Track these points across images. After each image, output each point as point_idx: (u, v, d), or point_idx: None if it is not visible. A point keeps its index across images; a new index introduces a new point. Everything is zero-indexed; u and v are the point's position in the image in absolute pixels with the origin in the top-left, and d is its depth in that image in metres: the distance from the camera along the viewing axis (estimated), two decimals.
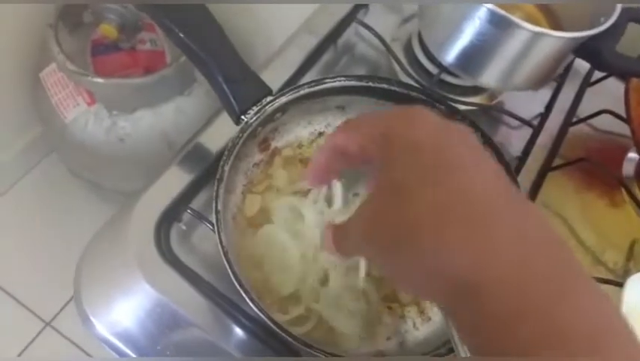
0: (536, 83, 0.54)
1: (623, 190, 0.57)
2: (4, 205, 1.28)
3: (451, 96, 0.56)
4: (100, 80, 0.91)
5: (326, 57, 0.61)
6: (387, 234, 0.24)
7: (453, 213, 0.22)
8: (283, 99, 0.45)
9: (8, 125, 1.19)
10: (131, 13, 0.99)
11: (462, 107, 0.52)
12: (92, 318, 0.44)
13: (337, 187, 0.47)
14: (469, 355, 0.36)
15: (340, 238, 0.30)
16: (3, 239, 1.22)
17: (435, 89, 0.54)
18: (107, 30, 0.97)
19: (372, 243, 0.26)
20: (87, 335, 0.44)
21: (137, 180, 0.49)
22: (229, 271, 0.38)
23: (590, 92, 0.64)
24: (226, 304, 0.45)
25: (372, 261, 0.31)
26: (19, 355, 1.15)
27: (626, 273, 0.54)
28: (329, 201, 0.47)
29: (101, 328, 0.44)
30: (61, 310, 1.19)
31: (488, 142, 0.48)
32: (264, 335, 0.44)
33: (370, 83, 0.49)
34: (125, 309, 0.44)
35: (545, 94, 0.63)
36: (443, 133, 0.25)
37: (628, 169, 0.60)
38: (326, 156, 0.32)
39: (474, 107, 0.58)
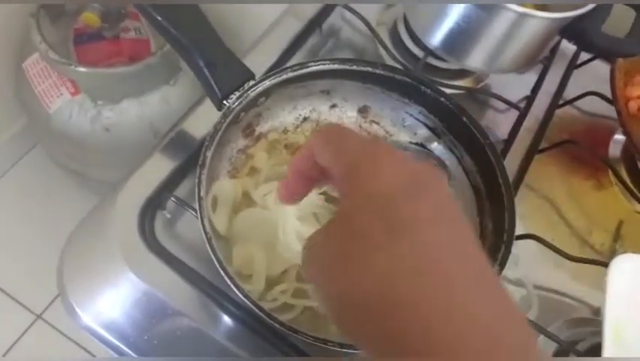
0: (522, 65, 0.54)
1: (609, 172, 0.57)
2: None
3: (437, 80, 0.55)
4: (83, 69, 0.89)
5: (311, 41, 0.60)
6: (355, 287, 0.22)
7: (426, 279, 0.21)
8: (266, 83, 0.45)
9: None
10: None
11: (448, 91, 0.51)
12: (77, 309, 0.43)
13: None
14: None
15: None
16: None
17: (421, 73, 0.53)
18: (90, 18, 0.95)
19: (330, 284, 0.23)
20: (79, 327, 0.43)
21: (123, 170, 0.48)
22: (213, 257, 0.37)
23: (576, 74, 0.64)
24: (212, 292, 0.44)
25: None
26: (10, 348, 1.14)
27: (613, 254, 0.54)
28: None
29: (87, 318, 0.43)
30: (51, 302, 1.18)
31: (474, 125, 0.48)
32: (252, 321, 0.44)
33: (355, 67, 0.48)
34: (111, 299, 0.43)
35: (532, 77, 0.62)
36: (412, 187, 0.23)
37: (614, 151, 0.60)
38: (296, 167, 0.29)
39: (460, 91, 0.58)
